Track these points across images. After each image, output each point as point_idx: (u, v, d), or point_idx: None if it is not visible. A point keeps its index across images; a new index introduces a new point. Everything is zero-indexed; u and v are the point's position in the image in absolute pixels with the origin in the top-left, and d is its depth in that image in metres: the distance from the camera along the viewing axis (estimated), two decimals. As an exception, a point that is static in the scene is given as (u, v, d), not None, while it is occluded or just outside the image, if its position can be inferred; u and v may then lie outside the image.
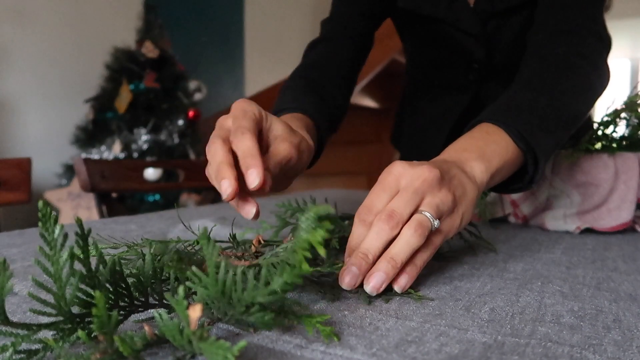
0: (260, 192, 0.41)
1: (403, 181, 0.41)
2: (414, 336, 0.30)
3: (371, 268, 0.38)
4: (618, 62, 4.71)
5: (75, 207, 2.22)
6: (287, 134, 0.47)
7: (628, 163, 0.66)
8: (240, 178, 0.40)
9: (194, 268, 0.28)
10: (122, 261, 0.38)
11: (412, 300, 0.38)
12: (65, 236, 0.27)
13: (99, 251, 0.30)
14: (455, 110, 0.91)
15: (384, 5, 0.84)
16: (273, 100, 0.68)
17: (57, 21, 2.45)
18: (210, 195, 1.45)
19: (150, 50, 2.31)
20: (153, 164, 1.32)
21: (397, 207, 0.39)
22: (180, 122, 2.37)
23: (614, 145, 0.69)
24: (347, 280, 0.37)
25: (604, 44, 0.65)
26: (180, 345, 0.25)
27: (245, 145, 0.41)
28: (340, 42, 0.78)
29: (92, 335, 0.27)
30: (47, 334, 0.29)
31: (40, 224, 0.27)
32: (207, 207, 0.95)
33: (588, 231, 0.68)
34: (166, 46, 2.43)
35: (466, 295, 0.39)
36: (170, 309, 0.31)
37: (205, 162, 0.46)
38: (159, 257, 0.35)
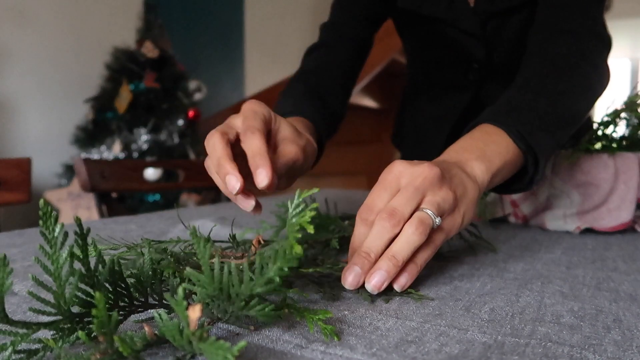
0: (263, 190, 0.42)
1: (403, 180, 0.41)
2: (414, 336, 0.30)
3: None
4: (618, 62, 4.71)
5: (75, 207, 2.22)
6: (294, 136, 0.49)
7: (628, 163, 0.66)
8: (241, 172, 0.42)
9: (189, 269, 0.28)
10: (122, 261, 0.38)
11: (412, 300, 0.38)
12: (65, 235, 0.27)
13: (98, 251, 0.30)
14: (456, 110, 0.91)
15: (384, 6, 0.84)
16: (273, 101, 0.68)
17: (57, 21, 2.45)
18: (210, 195, 1.45)
19: (150, 50, 2.31)
20: (153, 164, 1.32)
21: (398, 205, 0.39)
22: (180, 122, 2.36)
23: (614, 145, 0.69)
24: (349, 280, 0.37)
25: (604, 44, 0.65)
26: (180, 345, 0.25)
27: (255, 145, 0.42)
28: (339, 47, 0.79)
29: (92, 335, 0.27)
30: (47, 334, 0.29)
31: (40, 222, 0.27)
32: (207, 207, 0.95)
33: (588, 231, 0.68)
34: (166, 46, 2.42)
35: (466, 295, 0.39)
36: (170, 309, 0.31)
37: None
38: (158, 261, 0.35)
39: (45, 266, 0.27)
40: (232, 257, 0.39)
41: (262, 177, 0.41)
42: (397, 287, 0.38)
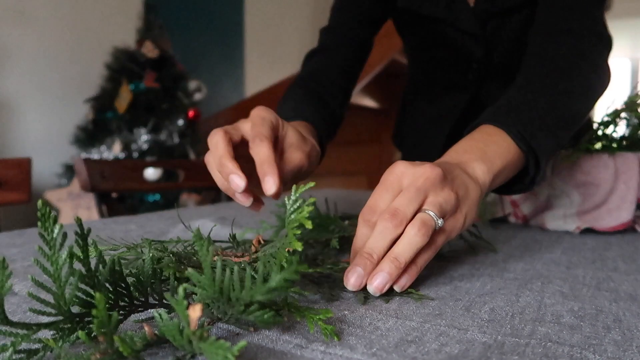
0: (271, 197, 0.45)
1: (405, 180, 0.41)
2: (414, 336, 0.30)
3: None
4: (618, 62, 4.71)
5: (75, 207, 2.22)
6: (300, 142, 0.51)
7: (628, 163, 0.66)
8: (243, 172, 0.44)
9: (190, 269, 0.28)
10: (122, 261, 0.38)
11: (412, 300, 0.38)
12: (65, 236, 0.27)
13: (98, 251, 0.30)
14: (455, 109, 0.91)
15: (384, 7, 0.84)
16: (273, 101, 0.68)
17: (57, 21, 2.45)
18: (210, 195, 1.45)
19: (150, 50, 2.31)
20: (153, 164, 1.32)
21: (400, 205, 0.39)
22: (180, 122, 2.36)
23: (614, 145, 0.69)
24: (352, 281, 0.37)
25: (605, 44, 0.65)
26: (180, 345, 0.25)
27: (263, 153, 0.44)
28: (339, 51, 0.79)
29: (92, 335, 0.27)
30: (47, 334, 0.29)
31: (39, 223, 0.27)
32: (207, 207, 0.95)
33: (588, 231, 0.68)
34: (166, 46, 2.42)
35: (466, 295, 0.39)
36: (170, 309, 0.31)
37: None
38: (158, 259, 0.35)
39: (45, 267, 0.27)
40: (233, 257, 0.39)
41: (270, 185, 0.43)
42: (397, 287, 0.38)
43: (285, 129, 0.50)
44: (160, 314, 0.26)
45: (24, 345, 0.28)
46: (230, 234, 0.45)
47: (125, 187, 1.17)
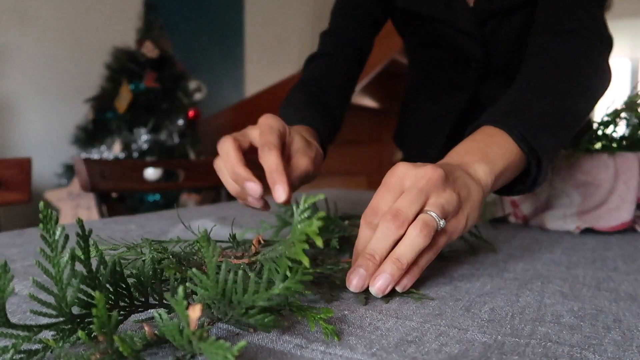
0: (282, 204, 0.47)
1: (407, 181, 0.41)
2: (414, 336, 0.30)
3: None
4: (618, 62, 4.71)
5: (75, 207, 2.22)
6: (305, 148, 0.53)
7: (628, 163, 0.66)
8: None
9: (194, 269, 0.28)
10: (122, 261, 0.38)
11: (412, 300, 0.38)
12: (66, 238, 0.27)
13: (99, 252, 0.30)
14: (455, 109, 0.91)
15: (383, 8, 0.84)
16: (273, 101, 0.68)
17: (57, 21, 2.45)
18: (210, 195, 1.45)
19: (150, 50, 2.31)
20: (153, 164, 1.32)
21: (402, 206, 0.39)
22: (180, 122, 2.37)
23: (614, 145, 0.69)
24: (354, 283, 0.37)
25: (605, 44, 0.65)
26: (180, 345, 0.25)
27: (272, 162, 0.45)
28: (339, 54, 0.80)
29: (92, 336, 0.27)
30: (48, 335, 0.29)
31: (41, 225, 0.27)
32: (207, 207, 0.95)
33: (588, 231, 0.68)
34: (166, 46, 2.42)
35: (466, 295, 0.39)
36: (170, 309, 0.31)
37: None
38: (159, 260, 0.35)
39: (46, 269, 0.27)
40: (233, 257, 0.39)
41: (281, 193, 0.44)
42: (399, 288, 0.38)
43: (292, 135, 0.52)
44: (160, 314, 0.26)
45: (24, 346, 0.28)
46: (230, 234, 0.45)
47: (125, 187, 1.17)
